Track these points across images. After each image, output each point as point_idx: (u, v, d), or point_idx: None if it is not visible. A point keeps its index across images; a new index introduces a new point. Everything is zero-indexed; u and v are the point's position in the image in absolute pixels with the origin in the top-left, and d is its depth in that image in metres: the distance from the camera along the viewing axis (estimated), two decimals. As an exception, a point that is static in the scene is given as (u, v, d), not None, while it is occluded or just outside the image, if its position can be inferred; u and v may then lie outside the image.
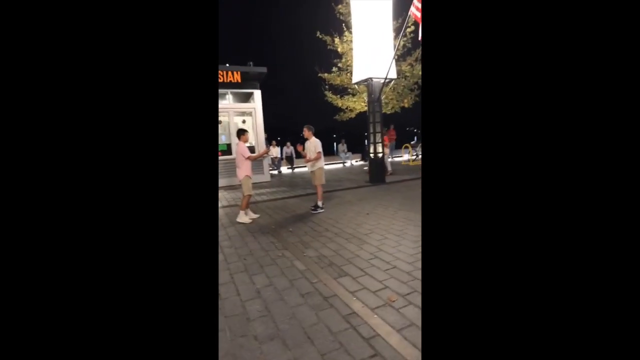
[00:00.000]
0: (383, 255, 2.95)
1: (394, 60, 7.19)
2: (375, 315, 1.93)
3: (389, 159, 8.87)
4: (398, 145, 14.10)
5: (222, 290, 2.43)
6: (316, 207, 4.95)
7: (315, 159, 4.87)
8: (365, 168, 8.85)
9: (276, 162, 12.00)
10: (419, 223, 3.92)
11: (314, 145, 4.90)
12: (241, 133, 4.52)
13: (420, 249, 3.02)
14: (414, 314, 1.93)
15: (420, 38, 7.31)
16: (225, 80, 8.33)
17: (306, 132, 5.02)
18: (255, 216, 4.73)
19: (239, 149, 4.41)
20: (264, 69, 8.72)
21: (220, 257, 3.18)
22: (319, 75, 11.97)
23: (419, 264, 2.68)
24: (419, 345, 1.62)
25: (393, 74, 7.43)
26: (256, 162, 8.82)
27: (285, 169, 12.44)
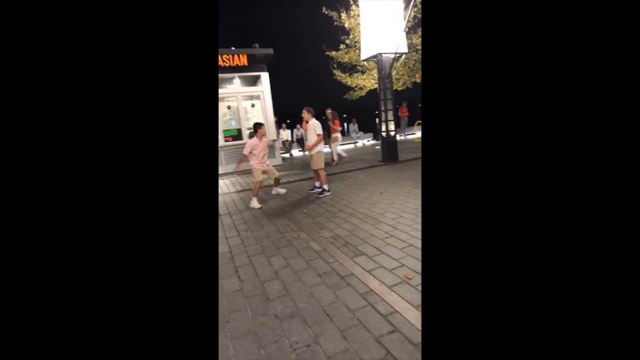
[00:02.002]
0: (398, 234, 2.95)
1: (404, 33, 6.91)
2: (393, 293, 1.96)
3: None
4: (410, 122, 13.80)
5: (241, 272, 2.50)
6: (322, 190, 4.91)
7: (316, 143, 4.80)
8: (378, 147, 8.73)
9: (287, 145, 11.99)
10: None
11: (313, 127, 4.81)
12: (258, 127, 4.64)
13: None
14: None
15: None
16: (232, 64, 8.22)
17: (305, 114, 4.96)
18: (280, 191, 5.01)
19: (249, 142, 4.64)
20: (270, 50, 8.56)
21: (237, 240, 3.26)
22: (327, 53, 11.67)
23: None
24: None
25: (404, 48, 7.16)
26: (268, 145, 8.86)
27: (296, 152, 12.42)
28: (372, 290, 2.02)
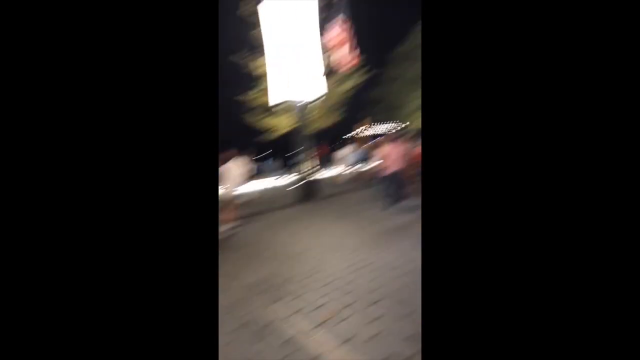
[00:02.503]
0: (319, 274, 2.87)
1: (323, 77, 7.26)
2: (314, 336, 1.82)
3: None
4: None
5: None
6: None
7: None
8: (294, 187, 8.82)
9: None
10: (355, 235, 3.98)
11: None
12: None
13: (358, 257, 3.02)
14: (353, 325, 1.87)
15: (336, 63, 7.50)
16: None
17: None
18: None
19: None
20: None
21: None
22: (235, 99, 11.47)
23: (359, 273, 2.66)
24: (366, 354, 1.54)
25: (322, 90, 7.48)
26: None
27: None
28: (293, 336, 1.84)
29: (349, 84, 11.35)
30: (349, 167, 9.64)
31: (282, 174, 13.88)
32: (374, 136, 7.01)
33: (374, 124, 14.20)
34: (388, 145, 5.21)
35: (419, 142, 5.74)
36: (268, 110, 11.81)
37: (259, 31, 8.10)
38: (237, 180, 4.90)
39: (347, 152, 10.01)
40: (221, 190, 4.79)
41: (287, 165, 13.54)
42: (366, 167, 7.99)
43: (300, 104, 7.36)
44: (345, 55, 8.04)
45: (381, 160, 5.26)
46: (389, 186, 5.16)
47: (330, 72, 10.17)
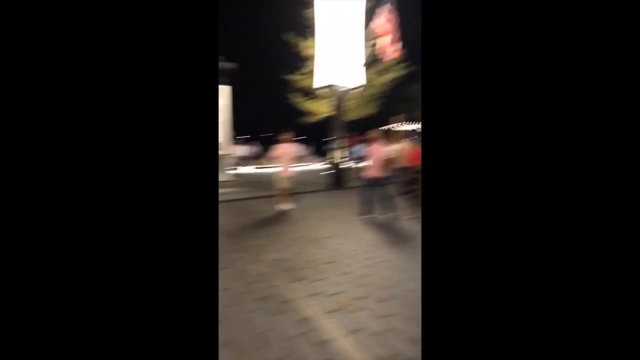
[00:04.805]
0: (341, 259, 3.05)
1: (363, 67, 7.27)
2: (330, 320, 2.01)
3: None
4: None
5: (175, 294, 2.37)
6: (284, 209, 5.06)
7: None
8: (326, 173, 8.97)
9: (242, 161, 11.77)
10: (376, 230, 4.10)
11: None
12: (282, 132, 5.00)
13: (374, 253, 3.17)
14: (368, 317, 2.04)
15: (379, 52, 7.32)
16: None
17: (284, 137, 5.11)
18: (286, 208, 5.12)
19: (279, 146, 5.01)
20: (234, 65, 8.52)
21: (176, 259, 3.09)
22: (283, 77, 11.79)
23: (375, 269, 2.81)
24: (372, 348, 1.72)
25: (361, 81, 7.53)
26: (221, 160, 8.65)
27: (249, 169, 12.24)
28: (309, 317, 2.06)
29: (389, 77, 11.14)
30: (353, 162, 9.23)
31: (317, 160, 14.04)
32: (405, 133, 6.68)
33: (407, 122, 13.71)
34: (375, 146, 4.58)
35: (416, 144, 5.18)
36: (310, 93, 11.93)
37: (312, 11, 8.12)
38: (292, 161, 5.05)
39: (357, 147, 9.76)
40: (277, 170, 5.06)
41: (322, 151, 13.63)
42: (360, 165, 7.14)
43: (341, 90, 7.37)
44: (388, 47, 7.88)
45: (369, 162, 4.63)
46: (370, 192, 4.57)
47: (372, 62, 9.96)
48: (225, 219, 4.68)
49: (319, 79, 7.46)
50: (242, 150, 12.02)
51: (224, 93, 8.54)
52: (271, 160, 5.00)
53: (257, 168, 12.11)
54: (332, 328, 1.92)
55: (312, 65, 10.96)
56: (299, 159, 5.11)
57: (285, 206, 5.11)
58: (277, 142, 5.07)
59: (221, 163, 8.63)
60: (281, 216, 4.80)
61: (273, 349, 1.73)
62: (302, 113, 12.60)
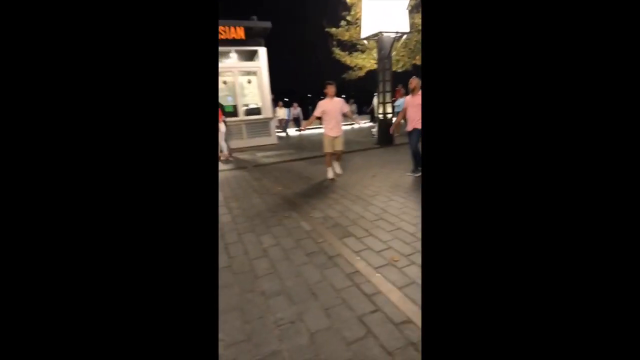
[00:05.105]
0: (388, 216, 2.99)
1: (407, 12, 6.70)
2: (378, 274, 2.00)
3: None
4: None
5: (231, 249, 2.52)
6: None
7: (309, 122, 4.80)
8: (374, 130, 8.65)
9: (284, 124, 11.84)
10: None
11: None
12: (326, 85, 4.33)
13: (418, 214, 3.04)
14: (415, 272, 1.99)
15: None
16: (228, 37, 7.96)
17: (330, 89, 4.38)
18: (336, 172, 4.79)
19: (319, 103, 4.44)
20: (268, 24, 8.27)
21: (229, 217, 3.27)
22: (326, 30, 11.31)
23: (418, 235, 2.71)
24: (419, 301, 1.68)
25: (406, 28, 6.95)
26: (263, 123, 8.76)
27: (292, 131, 12.29)
28: (358, 270, 2.06)
29: None
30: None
31: (359, 117, 13.66)
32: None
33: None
34: (416, 96, 4.26)
35: None
36: (354, 46, 11.35)
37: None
38: (339, 117, 4.44)
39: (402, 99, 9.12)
40: (324, 130, 4.55)
41: (368, 107, 13.14)
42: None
43: (387, 40, 6.84)
44: None
45: (412, 114, 4.35)
46: (417, 145, 4.37)
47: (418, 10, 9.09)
48: (271, 181, 4.80)
49: (367, 28, 6.93)
50: (283, 112, 12.02)
51: (261, 55, 8.39)
52: (316, 119, 4.48)
53: (299, 130, 11.97)
54: (380, 282, 1.91)
55: (353, 14, 10.37)
56: (346, 115, 4.52)
57: (336, 170, 4.75)
58: (321, 98, 4.71)
59: (266, 126, 8.76)
60: (329, 179, 4.78)
61: (322, 299, 1.77)
62: (347, 68, 12.11)
